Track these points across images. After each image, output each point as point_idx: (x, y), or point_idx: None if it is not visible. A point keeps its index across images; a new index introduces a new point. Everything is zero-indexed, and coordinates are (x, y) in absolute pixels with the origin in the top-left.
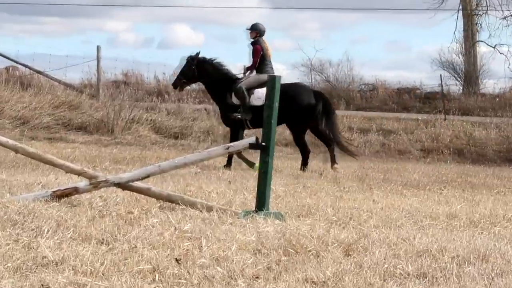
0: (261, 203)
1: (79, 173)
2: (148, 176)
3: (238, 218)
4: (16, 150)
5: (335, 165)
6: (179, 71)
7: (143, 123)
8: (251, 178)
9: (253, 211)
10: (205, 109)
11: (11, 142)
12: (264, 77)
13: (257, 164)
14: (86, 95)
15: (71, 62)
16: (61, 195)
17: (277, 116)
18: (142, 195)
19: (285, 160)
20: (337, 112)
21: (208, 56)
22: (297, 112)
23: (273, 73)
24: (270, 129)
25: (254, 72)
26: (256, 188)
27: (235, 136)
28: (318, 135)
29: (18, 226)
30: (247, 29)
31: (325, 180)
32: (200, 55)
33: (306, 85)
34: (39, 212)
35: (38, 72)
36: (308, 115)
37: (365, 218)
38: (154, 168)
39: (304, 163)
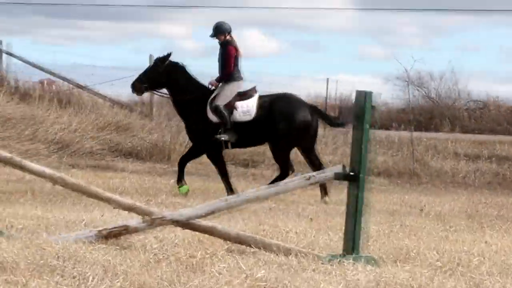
0: (350, 245)
1: (130, 209)
2: (212, 213)
3: (322, 263)
4: (54, 180)
5: (326, 198)
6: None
7: None
8: (337, 215)
9: (340, 255)
10: None
11: (47, 171)
12: (238, 85)
13: (184, 187)
14: (137, 115)
15: (119, 74)
16: (108, 236)
17: (367, 141)
18: (206, 235)
19: (377, 193)
20: (439, 134)
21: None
22: (290, 129)
23: (241, 79)
24: (360, 155)
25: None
26: (343, 227)
27: (216, 159)
28: (310, 157)
29: (58, 272)
30: (212, 36)
31: (426, 217)
32: (172, 60)
33: (298, 97)
34: (82, 256)
35: (80, 86)
36: (302, 133)
37: (476, 263)
38: (220, 202)
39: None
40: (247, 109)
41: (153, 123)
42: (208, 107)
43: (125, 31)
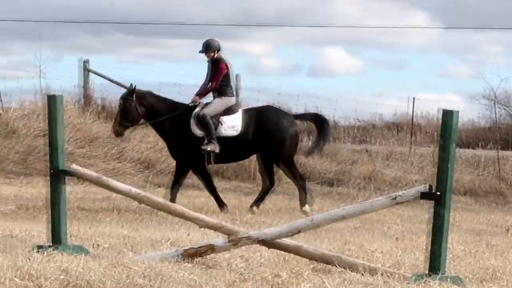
0: (435, 265)
1: (216, 228)
2: (298, 232)
3: (407, 283)
4: (140, 200)
5: (304, 208)
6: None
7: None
8: (423, 234)
9: (425, 274)
10: (366, 150)
11: (134, 190)
12: (230, 100)
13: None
14: None
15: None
16: (194, 254)
17: (453, 160)
18: (291, 255)
19: (463, 212)
20: None
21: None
22: (285, 139)
23: (233, 96)
24: (446, 174)
25: (214, 96)
26: (428, 247)
27: (184, 172)
28: (292, 168)
29: None
30: (201, 52)
31: None
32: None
33: (282, 109)
34: (168, 275)
35: None
36: (294, 144)
37: None
38: (306, 222)
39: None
40: (232, 124)
41: None
42: (192, 121)
43: None
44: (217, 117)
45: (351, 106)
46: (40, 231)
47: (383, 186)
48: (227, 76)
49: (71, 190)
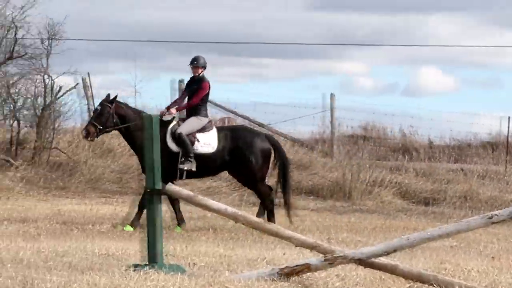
0: None
1: (312, 247)
2: (394, 251)
3: None
4: (235, 218)
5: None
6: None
7: (386, 186)
8: None
9: None
10: (462, 169)
11: (230, 209)
12: (205, 121)
13: (178, 228)
14: (317, 153)
15: (297, 112)
16: (290, 274)
17: None
18: (387, 274)
19: None
20: None
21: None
22: (254, 157)
23: (207, 116)
24: None
25: (189, 113)
26: None
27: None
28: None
29: None
30: (191, 63)
31: None
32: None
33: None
34: None
35: (259, 124)
36: (265, 161)
37: None
38: (402, 241)
39: (267, 213)
40: (208, 142)
41: (333, 162)
42: (168, 136)
43: (302, 69)
44: (193, 134)
45: (446, 125)
46: (136, 249)
47: (479, 205)
48: (207, 96)
49: (167, 209)
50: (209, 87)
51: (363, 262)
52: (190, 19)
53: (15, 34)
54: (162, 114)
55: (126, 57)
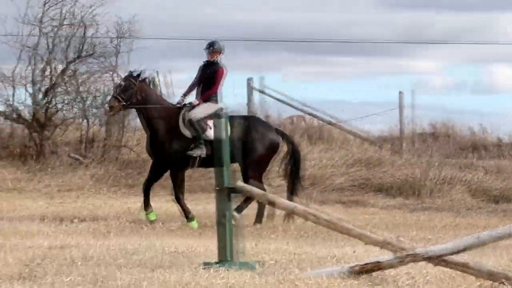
0: None
1: (382, 245)
2: (464, 250)
3: None
4: (305, 216)
5: (258, 224)
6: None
7: (455, 184)
8: None
9: None
10: None
11: (299, 207)
12: (216, 107)
13: (152, 214)
14: (387, 151)
15: (367, 110)
16: (360, 271)
17: None
18: (458, 272)
19: None
20: None
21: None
22: (264, 149)
23: (218, 102)
24: None
25: (204, 101)
26: None
27: (179, 177)
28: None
29: None
30: (207, 48)
31: None
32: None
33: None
34: None
35: (329, 123)
36: (273, 154)
37: None
38: (472, 239)
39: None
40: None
41: (402, 160)
42: (181, 122)
43: (373, 67)
44: (204, 120)
45: None
46: (207, 247)
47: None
48: (223, 82)
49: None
50: (226, 73)
51: (433, 260)
52: (259, 19)
53: (84, 33)
54: (180, 103)
55: (200, 56)
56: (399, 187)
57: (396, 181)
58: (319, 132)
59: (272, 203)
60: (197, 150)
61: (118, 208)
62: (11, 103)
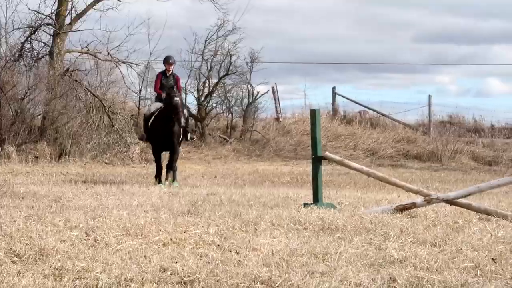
0: None
1: (416, 192)
2: (469, 195)
3: None
4: (368, 174)
5: (166, 182)
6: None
7: (464, 153)
8: None
9: None
10: None
11: (365, 168)
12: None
13: (175, 183)
14: (420, 133)
15: (408, 107)
16: (402, 209)
17: None
18: (464, 209)
19: None
20: None
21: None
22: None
23: None
24: None
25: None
26: None
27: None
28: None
29: (371, 232)
30: (167, 63)
31: None
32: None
33: None
34: (386, 222)
35: (384, 115)
36: None
37: None
38: (474, 188)
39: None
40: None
41: (430, 138)
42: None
43: (413, 80)
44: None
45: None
46: (305, 194)
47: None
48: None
49: (324, 168)
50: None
51: (449, 201)
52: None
53: (230, 59)
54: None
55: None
56: (427, 156)
57: (426, 152)
58: (377, 121)
59: (347, 166)
60: (192, 135)
61: (250, 169)
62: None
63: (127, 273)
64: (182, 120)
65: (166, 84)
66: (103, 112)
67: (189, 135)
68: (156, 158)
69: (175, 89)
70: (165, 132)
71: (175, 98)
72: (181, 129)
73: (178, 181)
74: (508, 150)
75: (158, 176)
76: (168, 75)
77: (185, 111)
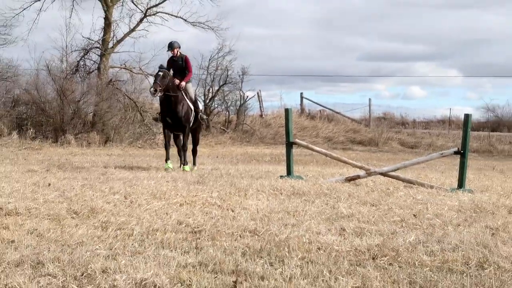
0: (461, 183)
1: (360, 167)
2: (397, 169)
3: (448, 192)
4: (326, 155)
5: (184, 166)
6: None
7: (394, 140)
8: (454, 170)
9: (456, 188)
10: (429, 133)
11: (323, 151)
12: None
13: (187, 166)
14: (363, 125)
15: (354, 107)
16: (350, 180)
17: (469, 133)
18: (394, 180)
19: (471, 160)
20: None
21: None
22: None
23: None
24: (465, 142)
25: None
26: (457, 173)
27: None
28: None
29: (327, 196)
30: (171, 49)
31: (495, 171)
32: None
33: None
34: (338, 189)
35: (337, 112)
36: None
37: None
38: (401, 165)
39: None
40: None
41: (370, 129)
42: (188, 99)
43: (358, 87)
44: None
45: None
46: (281, 169)
47: (437, 149)
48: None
49: (295, 151)
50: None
51: (383, 174)
52: (307, 64)
53: (227, 73)
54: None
55: (279, 83)
56: (368, 142)
57: (367, 139)
58: (332, 117)
59: (311, 149)
60: (204, 115)
61: (241, 152)
62: None
63: (154, 225)
64: (158, 87)
65: (175, 67)
66: (137, 111)
67: (199, 115)
68: (164, 138)
69: (165, 68)
70: (169, 112)
71: (159, 72)
72: (191, 110)
73: (192, 165)
74: (425, 137)
75: (166, 157)
76: (175, 58)
77: (192, 93)
